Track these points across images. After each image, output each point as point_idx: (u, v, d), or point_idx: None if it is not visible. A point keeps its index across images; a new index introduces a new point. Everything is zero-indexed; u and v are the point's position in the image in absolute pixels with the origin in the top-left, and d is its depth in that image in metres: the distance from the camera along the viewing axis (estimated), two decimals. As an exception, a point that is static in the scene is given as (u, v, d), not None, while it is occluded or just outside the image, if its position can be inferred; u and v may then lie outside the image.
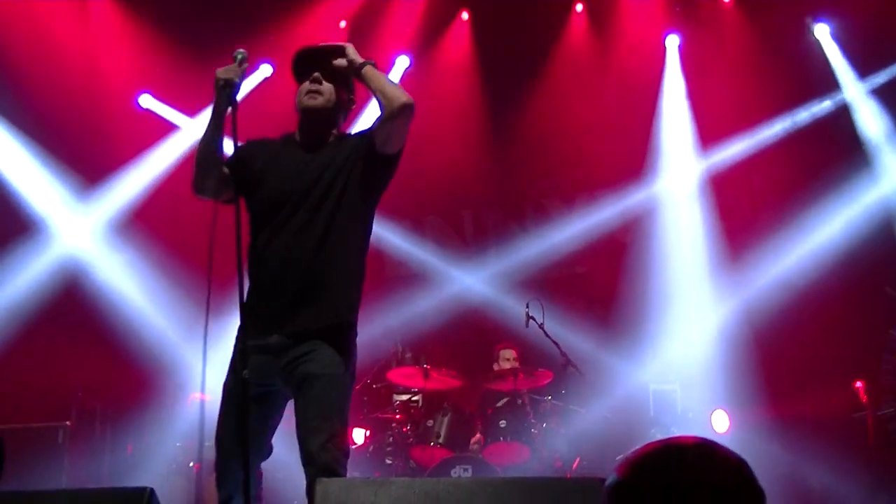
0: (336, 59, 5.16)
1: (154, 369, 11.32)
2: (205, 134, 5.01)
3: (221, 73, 4.90)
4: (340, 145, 5.14)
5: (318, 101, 5.13)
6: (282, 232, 4.95)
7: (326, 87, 5.15)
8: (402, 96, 4.92)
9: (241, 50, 4.99)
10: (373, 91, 5.01)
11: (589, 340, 11.15)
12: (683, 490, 2.15)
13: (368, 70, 5.06)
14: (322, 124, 5.20)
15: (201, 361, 4.69)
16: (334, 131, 5.23)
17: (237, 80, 4.90)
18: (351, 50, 5.15)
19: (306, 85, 5.17)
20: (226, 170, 5.02)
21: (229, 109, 4.86)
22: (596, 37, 12.68)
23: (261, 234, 5.01)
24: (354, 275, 5.07)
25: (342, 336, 4.94)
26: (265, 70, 12.25)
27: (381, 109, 4.96)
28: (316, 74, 5.15)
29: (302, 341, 4.84)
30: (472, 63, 13.03)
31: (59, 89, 11.56)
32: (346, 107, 5.32)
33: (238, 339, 4.82)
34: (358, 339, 5.05)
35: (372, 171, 5.07)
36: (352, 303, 5.03)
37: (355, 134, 5.23)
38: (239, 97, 4.91)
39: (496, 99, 13.04)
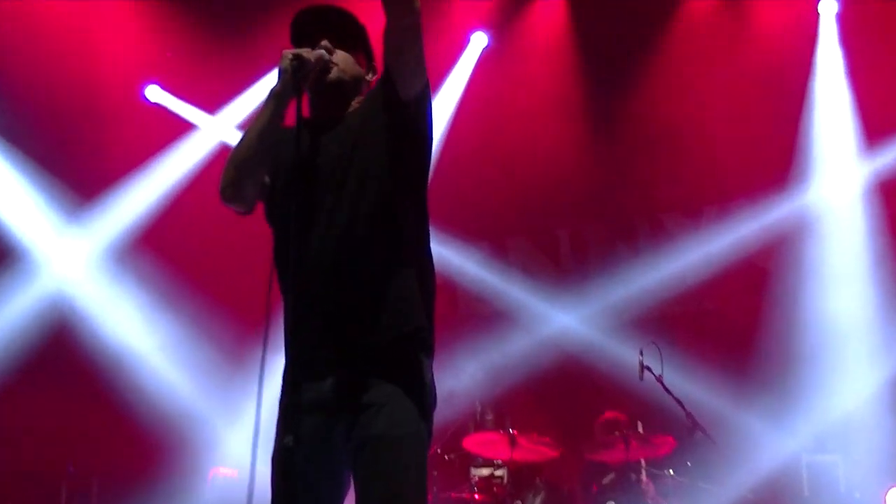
0: (341, 15, 5.07)
1: (165, 435, 11.39)
2: (256, 127, 4.86)
3: (292, 50, 4.81)
4: (357, 111, 5.03)
5: (333, 73, 5.00)
6: (308, 240, 4.79)
7: (340, 55, 4.99)
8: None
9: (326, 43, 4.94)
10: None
11: (722, 398, 11.11)
12: None
13: None
14: (339, 100, 5.08)
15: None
16: (354, 103, 5.09)
17: (311, 60, 4.79)
18: None
19: None
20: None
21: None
22: (726, 7, 12.57)
23: (288, 251, 4.88)
24: (410, 273, 4.86)
25: (409, 367, 4.73)
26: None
27: (386, 21, 4.76)
28: (324, 42, 5.00)
29: (361, 383, 4.64)
30: (568, 42, 13.02)
31: (46, 81, 11.70)
32: (366, 76, 5.18)
33: (282, 393, 4.65)
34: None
35: (400, 126, 4.91)
36: (412, 312, 4.80)
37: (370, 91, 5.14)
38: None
39: (598, 88, 13.02)
